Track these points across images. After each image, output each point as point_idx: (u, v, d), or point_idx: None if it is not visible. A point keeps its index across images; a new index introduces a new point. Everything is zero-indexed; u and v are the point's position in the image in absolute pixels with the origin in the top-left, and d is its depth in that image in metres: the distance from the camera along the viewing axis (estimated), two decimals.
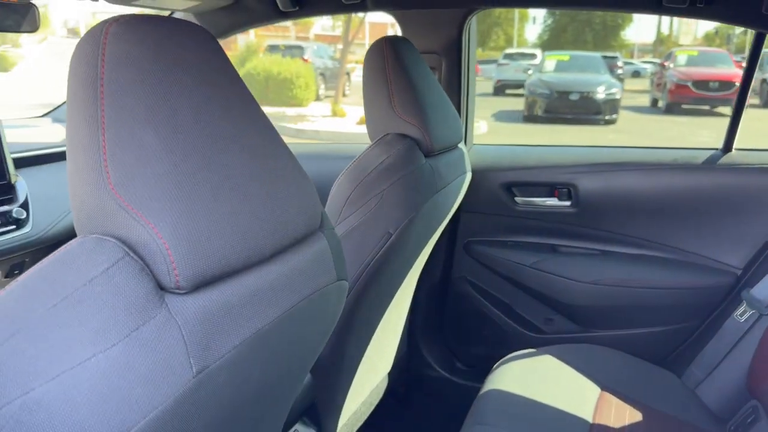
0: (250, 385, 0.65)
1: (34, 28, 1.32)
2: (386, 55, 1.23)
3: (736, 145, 1.65)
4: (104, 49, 0.55)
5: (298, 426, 1.24)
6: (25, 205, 1.40)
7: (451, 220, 1.77)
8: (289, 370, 0.76)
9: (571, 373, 1.41)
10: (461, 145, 1.48)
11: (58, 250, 0.53)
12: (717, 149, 1.67)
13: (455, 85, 1.71)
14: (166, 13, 1.70)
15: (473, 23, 1.69)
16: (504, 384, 1.35)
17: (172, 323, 0.52)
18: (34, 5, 1.29)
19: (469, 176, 1.52)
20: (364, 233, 1.18)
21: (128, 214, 0.52)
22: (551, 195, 1.73)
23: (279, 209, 0.64)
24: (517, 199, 1.75)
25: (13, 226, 1.36)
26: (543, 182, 1.73)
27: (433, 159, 1.28)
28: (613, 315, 1.68)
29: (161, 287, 0.53)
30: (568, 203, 1.72)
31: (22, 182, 1.42)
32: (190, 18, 1.67)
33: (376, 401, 1.61)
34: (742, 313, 1.41)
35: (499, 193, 1.75)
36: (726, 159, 1.63)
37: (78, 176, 0.55)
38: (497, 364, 1.47)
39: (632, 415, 1.34)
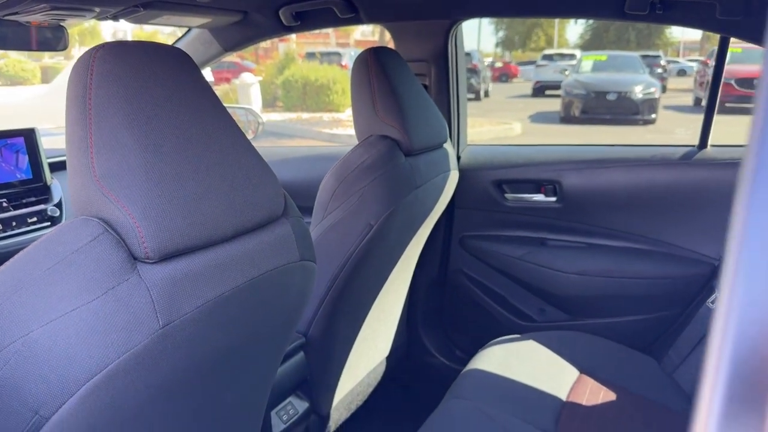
0: (217, 343, 0.79)
1: (64, 47, 1.50)
2: (370, 64, 1.36)
3: (711, 141, 1.72)
4: (92, 68, 0.70)
5: (291, 398, 1.38)
6: (59, 205, 1.58)
7: (446, 216, 1.88)
8: (257, 336, 0.90)
9: (551, 357, 1.50)
10: (446, 146, 1.60)
11: (56, 227, 0.68)
12: (693, 146, 1.74)
13: (444, 90, 1.82)
14: (183, 30, 1.87)
15: (459, 33, 1.80)
16: (485, 364, 1.46)
17: (141, 285, 0.67)
18: (65, 27, 1.47)
19: (454, 174, 1.64)
20: (347, 225, 1.31)
21: (108, 200, 0.67)
22: (538, 191, 1.83)
23: (240, 198, 0.78)
24: (507, 195, 1.86)
25: (48, 223, 1.55)
26: (530, 179, 1.83)
27: (413, 158, 1.41)
28: (599, 304, 1.77)
29: (134, 257, 0.67)
30: (554, 199, 1.81)
31: (57, 184, 1.61)
32: (206, 34, 1.84)
33: (374, 383, 1.74)
34: (713, 301, 1.49)
35: (490, 190, 1.86)
36: (701, 155, 1.70)
37: (73, 170, 0.70)
38: (483, 347, 1.58)
39: (606, 396, 1.42)
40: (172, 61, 0.77)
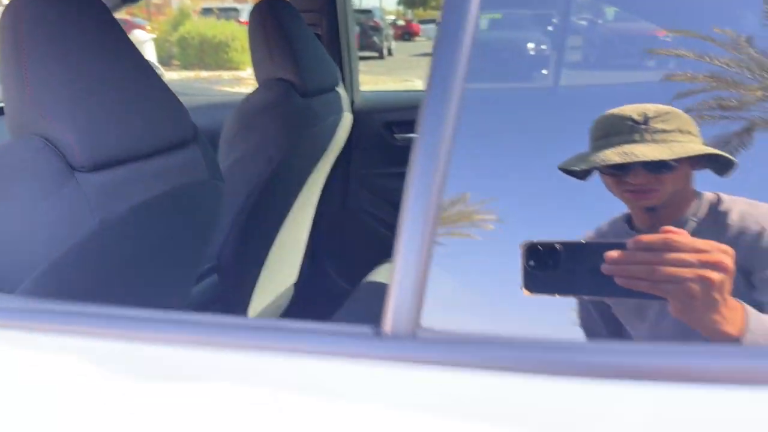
0: (144, 241, 0.96)
1: None
2: (265, 14, 1.51)
3: None
4: (22, 13, 0.82)
5: None
6: None
7: (345, 156, 2.08)
8: (177, 241, 1.07)
9: None
10: (339, 89, 1.78)
11: (2, 145, 0.81)
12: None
13: (335, 39, 2.00)
14: None
15: None
16: (380, 277, 1.69)
17: (79, 189, 0.82)
18: None
19: (348, 116, 1.83)
20: (250, 160, 1.48)
21: (45, 120, 0.81)
22: None
23: (153, 122, 0.94)
24: (396, 135, 2.08)
25: None
26: (414, 120, 2.05)
27: (308, 99, 1.58)
28: None
29: (72, 167, 0.82)
30: None
31: None
32: None
33: (284, 305, 1.93)
34: None
35: (381, 131, 2.07)
36: None
37: (11, 99, 0.83)
38: (377, 266, 1.81)
39: None
40: (90, 7, 0.90)
